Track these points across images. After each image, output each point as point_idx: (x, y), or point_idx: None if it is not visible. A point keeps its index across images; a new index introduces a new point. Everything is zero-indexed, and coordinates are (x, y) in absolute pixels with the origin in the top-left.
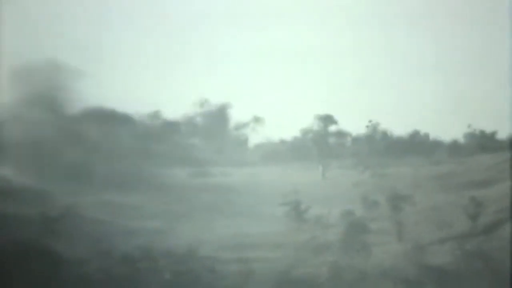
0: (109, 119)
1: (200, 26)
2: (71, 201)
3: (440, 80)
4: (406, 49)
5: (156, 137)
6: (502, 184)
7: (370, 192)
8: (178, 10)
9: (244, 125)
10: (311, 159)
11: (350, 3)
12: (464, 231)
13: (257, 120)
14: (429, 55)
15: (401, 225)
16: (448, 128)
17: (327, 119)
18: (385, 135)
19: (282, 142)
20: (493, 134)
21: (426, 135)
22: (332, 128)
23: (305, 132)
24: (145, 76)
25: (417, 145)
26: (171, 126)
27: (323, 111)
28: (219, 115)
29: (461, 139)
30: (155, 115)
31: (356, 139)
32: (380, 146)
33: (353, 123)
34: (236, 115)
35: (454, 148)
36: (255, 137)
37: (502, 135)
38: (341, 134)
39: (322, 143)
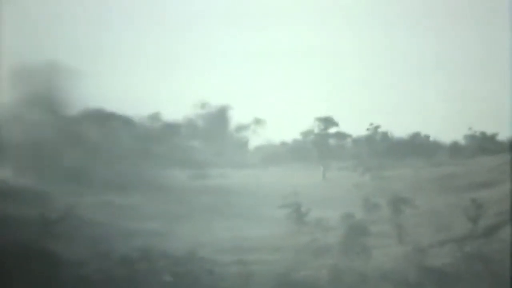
0: (109, 121)
1: (200, 27)
2: (70, 202)
3: (441, 81)
4: (406, 50)
5: (156, 139)
6: (502, 186)
7: (371, 194)
8: (178, 10)
9: (245, 127)
10: (311, 161)
11: (350, 3)
12: (465, 233)
13: (257, 122)
14: (430, 56)
15: (401, 227)
16: (448, 130)
17: (328, 121)
18: (385, 136)
19: (283, 144)
20: (493, 136)
21: (427, 137)
22: (333, 129)
23: (305, 134)
24: (145, 77)
25: (417, 147)
26: (171, 128)
27: (324, 112)
28: (219, 117)
29: (461, 141)
30: (155, 116)
31: (357, 141)
32: (380, 148)
33: (353, 125)
34: (237, 117)
35: (454, 150)
36: (256, 139)
37: (502, 137)
38: (341, 135)
39: (323, 144)
